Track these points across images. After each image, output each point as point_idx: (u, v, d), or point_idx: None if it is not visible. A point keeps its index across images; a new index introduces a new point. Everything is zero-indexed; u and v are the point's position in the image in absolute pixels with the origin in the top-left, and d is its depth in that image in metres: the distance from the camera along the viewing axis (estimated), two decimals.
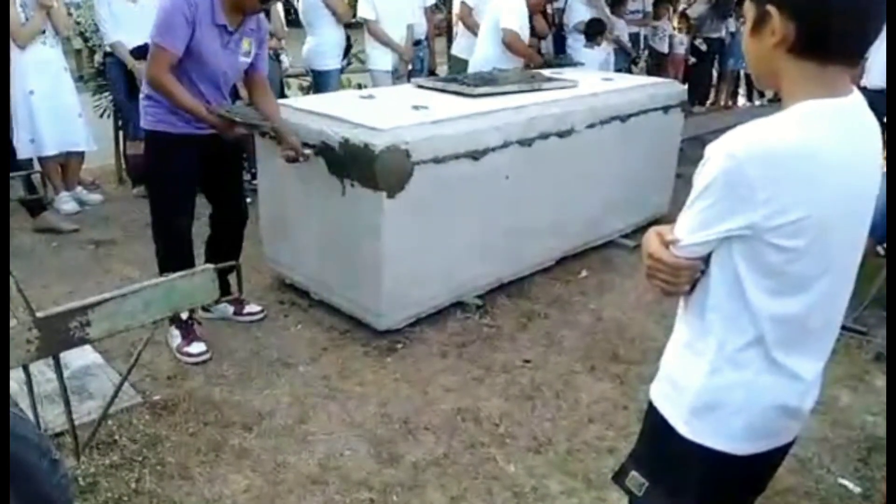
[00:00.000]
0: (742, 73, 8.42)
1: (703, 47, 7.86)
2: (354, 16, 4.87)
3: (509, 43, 4.28)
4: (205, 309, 2.81)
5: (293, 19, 5.76)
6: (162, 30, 2.47)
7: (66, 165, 4.34)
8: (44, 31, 3.97)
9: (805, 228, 0.96)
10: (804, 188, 0.95)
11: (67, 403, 1.77)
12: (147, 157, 2.79)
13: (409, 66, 4.99)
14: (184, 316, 2.72)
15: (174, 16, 2.44)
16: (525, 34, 4.44)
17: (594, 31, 5.50)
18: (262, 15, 2.74)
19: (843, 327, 1.15)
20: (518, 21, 4.30)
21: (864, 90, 1.03)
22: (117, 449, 2.20)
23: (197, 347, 2.73)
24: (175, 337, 2.76)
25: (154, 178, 2.80)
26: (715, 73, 8.67)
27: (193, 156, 2.66)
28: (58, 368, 1.71)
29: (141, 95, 2.68)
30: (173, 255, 2.67)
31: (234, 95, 2.97)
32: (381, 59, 4.87)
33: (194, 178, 2.74)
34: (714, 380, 1.07)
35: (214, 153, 2.70)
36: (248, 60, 2.70)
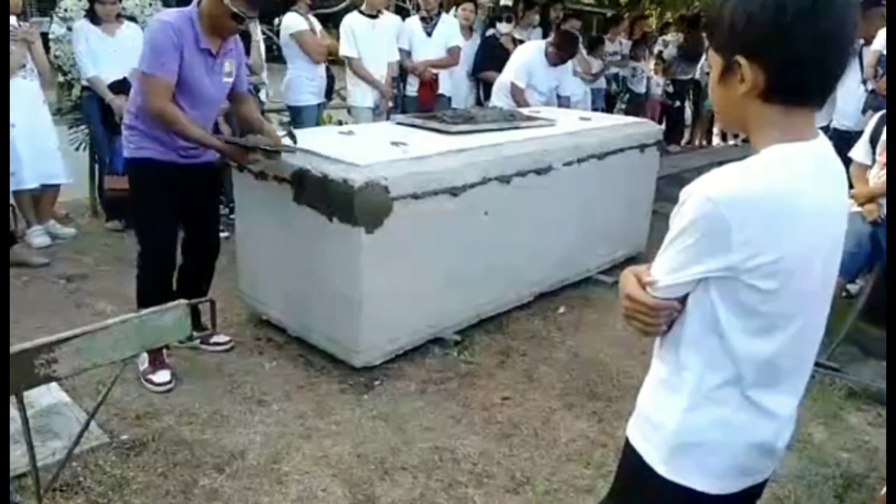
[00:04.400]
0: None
1: (670, 89, 8.09)
2: (330, 55, 4.93)
3: (513, 95, 4.98)
4: None
5: (276, 55, 5.81)
6: (152, 58, 2.45)
7: (40, 198, 4.28)
8: (23, 66, 3.95)
9: (780, 269, 0.97)
10: (779, 230, 0.96)
11: (30, 443, 1.70)
12: (132, 186, 2.74)
13: (390, 104, 5.06)
14: None
15: (162, 42, 2.45)
16: (542, 86, 5.12)
17: (564, 44, 4.99)
18: (237, 35, 2.76)
19: (817, 364, 1.16)
20: (519, 75, 5.00)
21: (826, 129, 1.07)
22: (82, 491, 2.11)
23: (161, 376, 2.68)
24: (143, 361, 2.70)
25: (142, 208, 2.74)
26: (690, 113, 8.90)
27: (176, 182, 2.65)
28: (21, 407, 1.65)
29: (123, 127, 2.66)
30: (157, 288, 2.64)
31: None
32: (362, 96, 4.94)
33: (177, 205, 2.72)
34: (691, 418, 1.07)
35: (193, 180, 2.70)
36: (231, 81, 2.73)
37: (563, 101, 5.28)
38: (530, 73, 5.00)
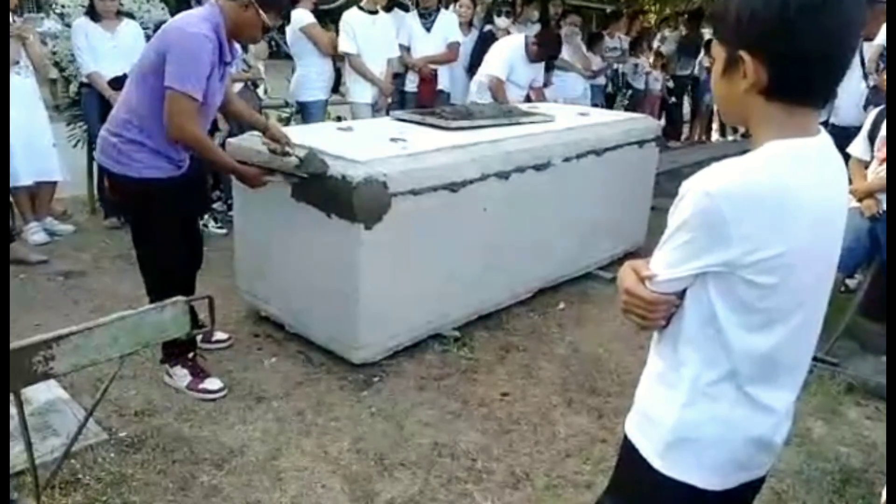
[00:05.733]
0: (716, 108, 8.64)
1: (671, 84, 8.08)
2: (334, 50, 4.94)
3: (491, 88, 4.85)
4: None
5: (274, 51, 5.80)
6: (187, 76, 2.24)
7: (37, 195, 4.27)
8: (17, 62, 3.94)
9: (779, 265, 0.97)
10: (778, 226, 0.96)
11: (28, 441, 1.70)
12: (140, 207, 2.54)
13: (389, 100, 5.06)
14: (190, 355, 2.68)
15: (201, 61, 2.27)
16: (521, 81, 5.04)
17: (548, 43, 5.01)
18: None
19: (815, 359, 1.16)
20: (501, 69, 4.88)
21: (825, 124, 1.06)
22: (80, 489, 2.11)
23: (213, 383, 2.65)
24: (182, 377, 2.65)
25: (152, 229, 2.53)
26: (689, 109, 8.90)
27: (180, 196, 2.55)
28: (19, 404, 1.64)
29: (118, 139, 2.43)
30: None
31: None
32: (361, 92, 4.93)
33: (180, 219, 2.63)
34: (688, 413, 1.07)
35: (185, 186, 2.64)
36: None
37: (536, 91, 5.24)
38: (511, 68, 4.92)
